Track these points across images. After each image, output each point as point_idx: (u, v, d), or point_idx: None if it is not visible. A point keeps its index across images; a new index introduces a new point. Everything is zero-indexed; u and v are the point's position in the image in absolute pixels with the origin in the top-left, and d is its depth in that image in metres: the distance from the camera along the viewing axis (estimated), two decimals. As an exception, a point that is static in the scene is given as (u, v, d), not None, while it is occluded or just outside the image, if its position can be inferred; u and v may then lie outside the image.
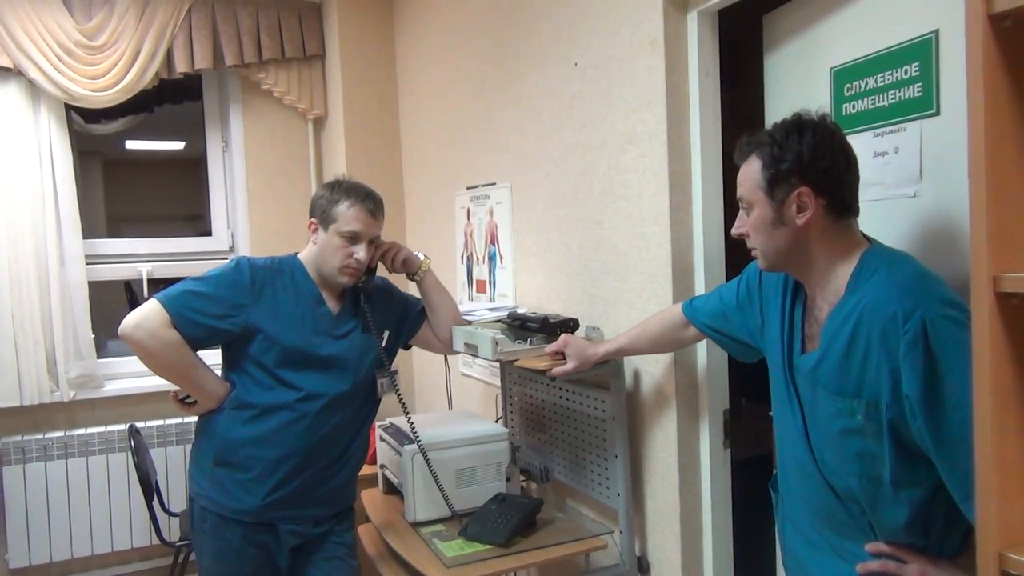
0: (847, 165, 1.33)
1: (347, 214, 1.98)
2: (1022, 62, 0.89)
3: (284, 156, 4.02)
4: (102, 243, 3.77)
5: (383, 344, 2.13)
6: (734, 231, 1.44)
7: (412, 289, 2.31)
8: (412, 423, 2.15)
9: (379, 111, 3.85)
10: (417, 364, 3.77)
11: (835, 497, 1.35)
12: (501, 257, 2.85)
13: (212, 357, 1.99)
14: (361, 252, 1.99)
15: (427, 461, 2.13)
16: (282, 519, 1.99)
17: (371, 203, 2.02)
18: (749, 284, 1.61)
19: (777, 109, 1.86)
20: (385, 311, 2.16)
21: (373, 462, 2.55)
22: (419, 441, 2.14)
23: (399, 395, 2.13)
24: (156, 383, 3.38)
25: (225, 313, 1.93)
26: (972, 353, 0.92)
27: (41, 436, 3.43)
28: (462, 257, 3.18)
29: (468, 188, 3.07)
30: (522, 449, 2.54)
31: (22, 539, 3.36)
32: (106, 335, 3.77)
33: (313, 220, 2.03)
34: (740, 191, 1.40)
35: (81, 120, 3.79)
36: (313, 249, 2.04)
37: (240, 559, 1.98)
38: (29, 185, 3.39)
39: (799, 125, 1.33)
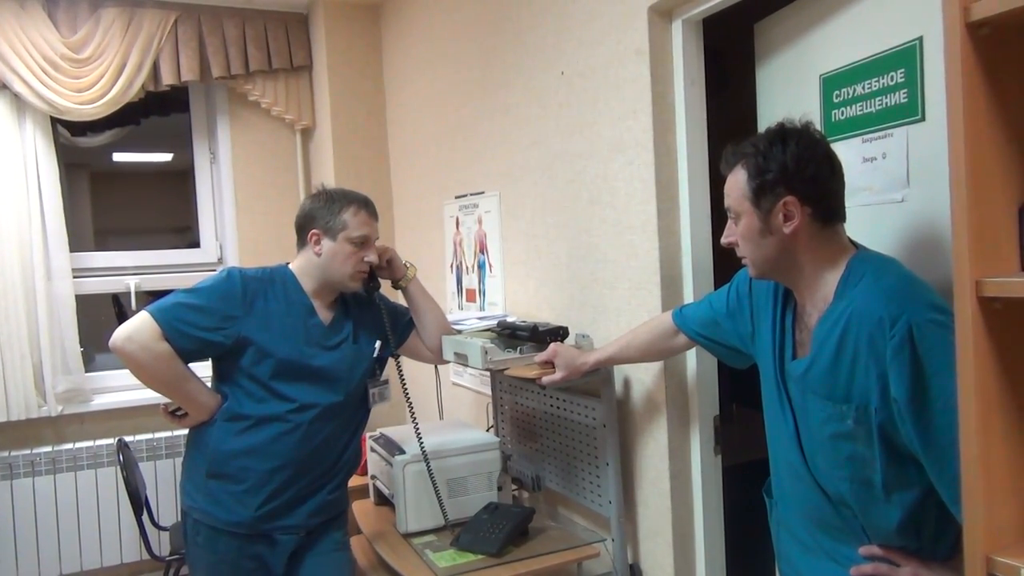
0: (832, 173, 1.34)
1: (355, 220, 2.02)
2: (1000, 69, 0.90)
3: (272, 167, 4.01)
4: (89, 256, 3.75)
5: (375, 354, 2.13)
6: (723, 240, 1.45)
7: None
8: (418, 428, 2.16)
9: (367, 121, 3.85)
10: (408, 373, 3.75)
11: (827, 501, 1.36)
12: (490, 266, 2.85)
13: (203, 369, 1.98)
14: (373, 255, 2.05)
15: (429, 468, 2.13)
16: (276, 530, 1.98)
17: (371, 207, 2.08)
18: (739, 291, 1.62)
19: (769, 116, 1.87)
20: (374, 321, 2.16)
21: (363, 473, 2.54)
22: (423, 446, 2.13)
23: (408, 398, 2.16)
24: (145, 396, 3.37)
25: (217, 325, 1.92)
26: (956, 357, 0.92)
27: (29, 452, 3.40)
28: (451, 266, 3.18)
29: (457, 197, 3.08)
30: (513, 458, 2.53)
31: (10, 556, 3.33)
32: (94, 349, 3.75)
33: (316, 231, 2.03)
34: (727, 201, 1.41)
35: (67, 133, 3.78)
36: (314, 259, 2.03)
37: (235, 572, 1.97)
38: (15, 199, 3.38)
39: (783, 134, 1.34)
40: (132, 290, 3.74)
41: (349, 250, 2.01)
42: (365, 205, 2.05)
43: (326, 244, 2.02)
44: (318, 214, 2.03)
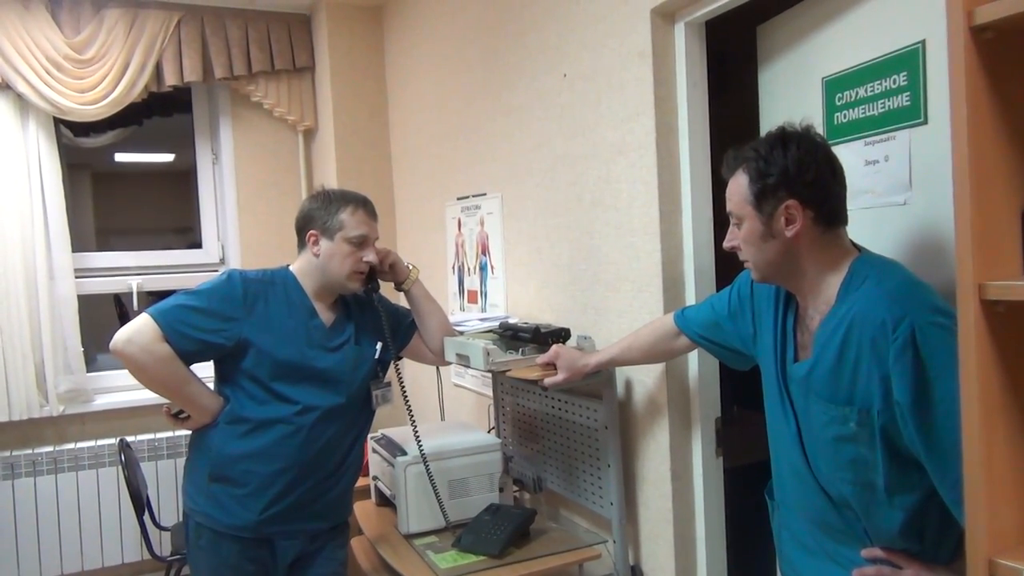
0: (833, 176, 1.34)
1: (352, 220, 2.01)
2: (1004, 73, 0.90)
3: (274, 168, 4.02)
4: (91, 256, 3.75)
5: (376, 355, 2.13)
6: (726, 245, 1.45)
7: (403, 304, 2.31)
8: (417, 431, 2.15)
9: (369, 122, 3.85)
10: (409, 374, 3.75)
11: (830, 503, 1.36)
12: (492, 267, 2.85)
13: (205, 370, 1.99)
14: (371, 255, 2.04)
15: (428, 470, 2.13)
16: (279, 534, 1.98)
17: (370, 207, 2.08)
18: (741, 294, 1.62)
19: (772, 118, 1.87)
20: (376, 323, 2.16)
21: (366, 474, 2.54)
22: (422, 449, 2.13)
23: (407, 401, 2.15)
24: (147, 397, 3.36)
25: (218, 327, 1.92)
26: (959, 359, 0.93)
27: (30, 451, 3.40)
28: (453, 267, 3.18)
29: (459, 198, 3.08)
30: (515, 459, 2.53)
31: (11, 556, 3.33)
32: (96, 349, 3.74)
33: (314, 232, 2.03)
34: (729, 205, 1.41)
35: (70, 133, 3.78)
36: (314, 260, 2.04)
37: (236, 575, 1.97)
38: (18, 199, 3.38)
39: (783, 138, 1.34)
40: (134, 290, 3.74)
41: (347, 250, 2.01)
42: (363, 205, 2.05)
43: (324, 244, 2.02)
44: (316, 215, 2.04)
